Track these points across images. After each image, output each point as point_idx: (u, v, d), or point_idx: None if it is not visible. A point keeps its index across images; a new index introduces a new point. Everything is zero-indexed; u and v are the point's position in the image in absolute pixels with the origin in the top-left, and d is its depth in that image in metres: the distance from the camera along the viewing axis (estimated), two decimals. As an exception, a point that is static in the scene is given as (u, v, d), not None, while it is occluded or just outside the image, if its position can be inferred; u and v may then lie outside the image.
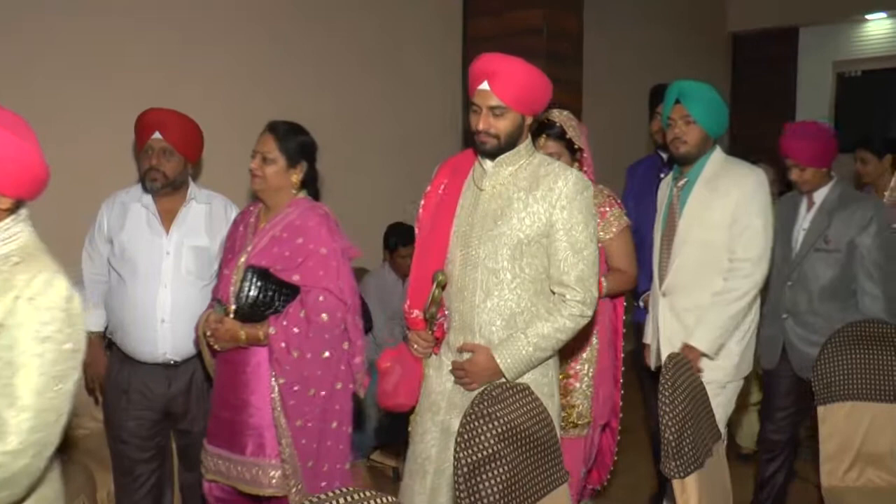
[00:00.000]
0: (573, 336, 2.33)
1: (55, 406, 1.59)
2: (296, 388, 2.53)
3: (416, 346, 2.43)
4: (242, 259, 2.61)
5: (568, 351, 2.86)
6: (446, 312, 2.41)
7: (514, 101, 2.24)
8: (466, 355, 2.35)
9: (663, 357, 2.73)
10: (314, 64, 4.25)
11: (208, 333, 2.61)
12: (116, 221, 2.93)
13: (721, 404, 2.80)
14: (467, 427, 1.91)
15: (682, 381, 2.24)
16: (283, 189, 2.65)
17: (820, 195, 3.22)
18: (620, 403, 3.13)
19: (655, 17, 6.39)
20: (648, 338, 3.06)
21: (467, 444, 1.89)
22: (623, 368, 3.13)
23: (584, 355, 2.96)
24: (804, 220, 3.25)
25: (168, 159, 2.85)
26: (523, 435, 2.04)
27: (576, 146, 2.89)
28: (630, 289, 3.10)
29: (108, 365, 2.96)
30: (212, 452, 2.66)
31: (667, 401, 2.16)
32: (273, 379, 2.54)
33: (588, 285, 2.27)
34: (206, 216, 2.95)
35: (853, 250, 3.10)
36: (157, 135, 2.85)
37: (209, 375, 2.79)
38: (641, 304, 3.41)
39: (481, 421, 1.93)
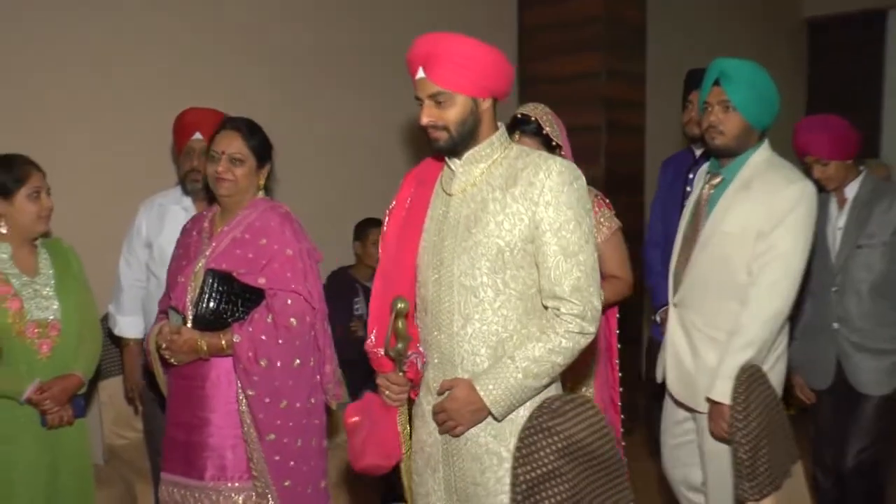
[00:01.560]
0: (573, 358, 2.06)
1: None
2: (266, 401, 2.46)
3: (387, 392, 2.15)
4: (200, 264, 2.54)
5: (567, 370, 2.75)
6: (420, 348, 2.15)
7: (456, 84, 2.02)
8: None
9: (669, 372, 2.70)
10: (358, 57, 4.32)
11: (163, 346, 2.52)
12: (155, 225, 3.02)
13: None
14: (526, 442, 1.93)
15: (756, 395, 2.22)
16: (249, 192, 2.61)
17: (851, 189, 3.16)
18: (622, 430, 3.00)
19: (724, 4, 6.33)
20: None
21: (526, 459, 1.91)
22: (621, 389, 2.97)
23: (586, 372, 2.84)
24: (837, 219, 3.16)
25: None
26: (586, 451, 2.04)
27: (553, 143, 2.81)
28: (626, 297, 2.94)
29: (148, 373, 3.05)
30: (166, 480, 2.57)
31: (739, 416, 2.15)
32: (239, 391, 2.48)
33: (587, 296, 2.00)
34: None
35: None
36: (197, 135, 2.94)
37: (163, 395, 2.71)
38: (658, 319, 3.25)
39: (541, 435, 1.94)
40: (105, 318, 3.07)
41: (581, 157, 4.64)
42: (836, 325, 3.16)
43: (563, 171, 2.02)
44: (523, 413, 2.06)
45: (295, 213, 2.65)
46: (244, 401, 2.47)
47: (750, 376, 2.22)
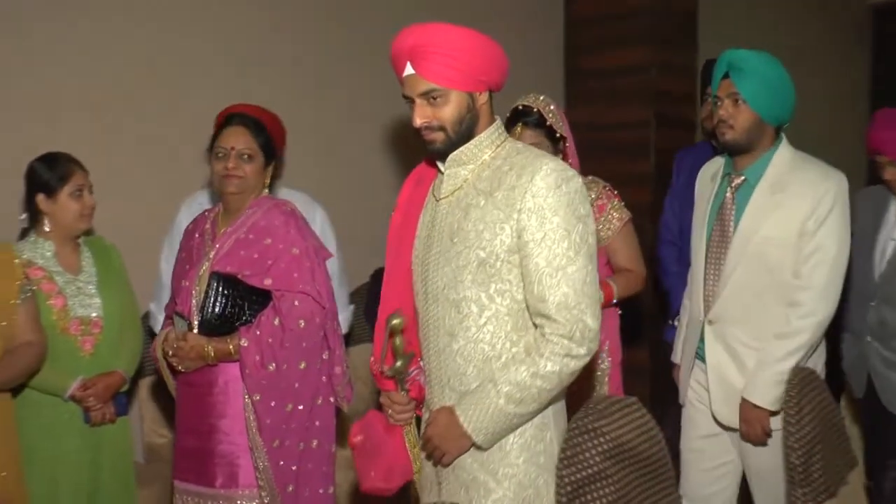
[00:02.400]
0: (564, 384, 1.93)
1: None
2: (272, 404, 2.47)
3: (389, 411, 2.09)
4: (204, 267, 2.54)
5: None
6: (421, 364, 2.09)
7: (449, 79, 1.90)
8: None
9: (713, 395, 2.56)
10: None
11: (170, 353, 2.53)
12: (196, 222, 3.11)
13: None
14: (571, 443, 1.96)
15: (809, 399, 2.23)
16: (256, 190, 2.61)
17: None
18: None
19: (780, -9, 6.26)
20: (678, 357, 2.82)
21: (570, 461, 1.94)
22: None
23: (595, 376, 2.82)
24: (894, 228, 2.98)
25: None
26: (632, 453, 2.07)
27: (557, 135, 2.77)
28: (640, 290, 2.92)
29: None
30: (180, 489, 2.59)
31: (792, 421, 2.16)
32: (246, 397, 2.48)
33: (576, 314, 1.86)
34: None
35: None
36: None
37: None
38: (675, 323, 3.14)
39: (586, 437, 1.98)
40: (146, 317, 3.16)
41: (630, 153, 4.68)
42: (868, 339, 3.03)
43: (552, 173, 1.88)
44: (514, 440, 1.96)
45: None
46: (251, 405, 2.48)
47: (803, 379, 2.23)
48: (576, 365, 1.89)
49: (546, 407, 1.97)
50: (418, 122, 1.95)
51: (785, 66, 2.58)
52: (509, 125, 2.75)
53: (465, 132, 1.96)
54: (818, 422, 2.21)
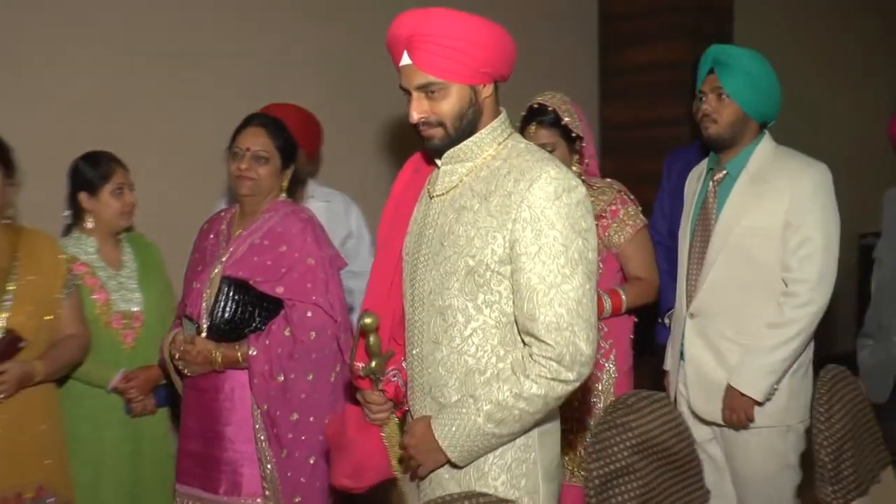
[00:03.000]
0: (549, 408, 1.81)
1: None
2: (278, 414, 2.47)
3: (366, 410, 2.01)
4: (216, 270, 2.54)
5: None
6: (403, 364, 2.00)
7: (449, 71, 1.78)
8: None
9: (692, 390, 2.58)
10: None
11: (176, 356, 2.55)
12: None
13: (773, 456, 2.52)
14: (599, 437, 2.02)
15: (840, 396, 2.25)
16: (272, 193, 2.60)
17: None
18: None
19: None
20: (668, 363, 2.80)
21: (599, 454, 2.00)
22: None
23: (599, 387, 2.79)
24: None
25: None
26: (659, 448, 2.12)
27: (573, 134, 2.72)
28: (653, 300, 2.87)
29: None
30: (182, 493, 2.60)
31: (822, 418, 2.19)
32: (254, 406, 2.49)
33: (568, 336, 1.73)
34: (325, 214, 3.11)
35: None
36: None
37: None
38: (667, 321, 3.08)
39: (614, 431, 2.03)
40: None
41: (665, 150, 4.68)
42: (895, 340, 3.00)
43: (550, 181, 1.76)
44: (493, 461, 1.84)
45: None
46: (258, 416, 2.49)
47: (833, 377, 2.26)
48: (563, 389, 1.76)
49: (532, 428, 1.85)
50: (415, 116, 1.83)
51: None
52: (524, 124, 2.74)
53: (466, 128, 1.84)
54: (849, 419, 2.23)
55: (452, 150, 1.86)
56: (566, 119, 2.70)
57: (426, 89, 1.80)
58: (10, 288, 2.44)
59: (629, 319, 2.86)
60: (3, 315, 2.42)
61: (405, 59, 1.80)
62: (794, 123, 4.27)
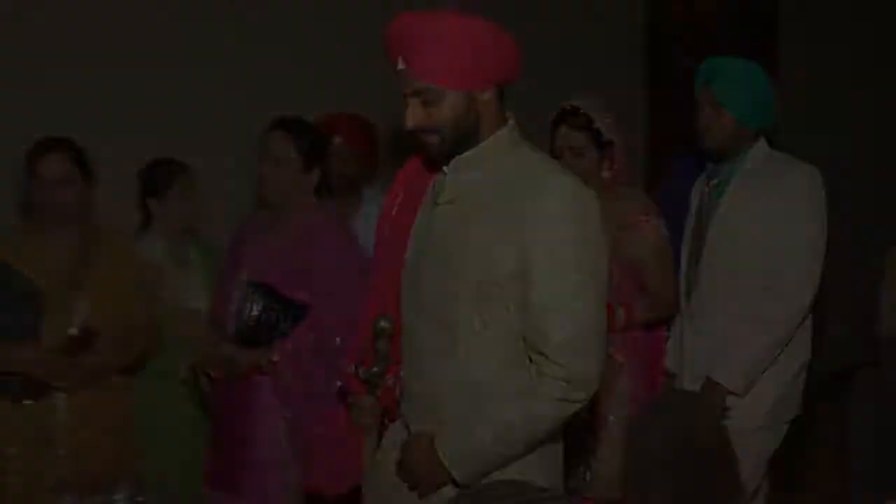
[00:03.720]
0: (560, 425, 1.80)
1: None
2: (304, 422, 2.49)
3: (354, 414, 1.98)
4: (244, 273, 2.56)
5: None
6: (401, 373, 1.93)
7: (444, 77, 1.73)
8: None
9: (687, 388, 2.60)
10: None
11: (201, 360, 2.60)
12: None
13: (750, 456, 2.42)
14: (634, 432, 2.11)
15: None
16: (297, 195, 2.60)
17: None
18: None
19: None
20: (669, 363, 2.81)
21: (632, 450, 2.09)
22: None
23: (613, 403, 2.67)
24: None
25: (346, 163, 3.12)
26: (696, 447, 2.21)
27: (604, 138, 2.68)
28: (666, 315, 2.81)
29: None
30: (208, 497, 2.66)
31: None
32: (278, 412, 2.51)
33: (580, 356, 1.70)
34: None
35: None
36: (336, 139, 3.14)
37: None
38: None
39: (649, 427, 2.12)
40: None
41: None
42: None
43: (567, 196, 1.73)
44: (496, 475, 1.76)
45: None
46: (283, 422, 2.52)
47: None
48: (572, 409, 1.75)
49: (536, 446, 1.81)
50: (410, 122, 1.78)
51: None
52: (553, 125, 2.72)
53: (464, 135, 1.78)
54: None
55: (459, 157, 1.81)
56: (597, 122, 2.67)
57: (423, 96, 1.76)
58: (87, 286, 2.63)
59: (662, 332, 2.84)
60: (81, 311, 2.61)
61: (400, 64, 1.76)
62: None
